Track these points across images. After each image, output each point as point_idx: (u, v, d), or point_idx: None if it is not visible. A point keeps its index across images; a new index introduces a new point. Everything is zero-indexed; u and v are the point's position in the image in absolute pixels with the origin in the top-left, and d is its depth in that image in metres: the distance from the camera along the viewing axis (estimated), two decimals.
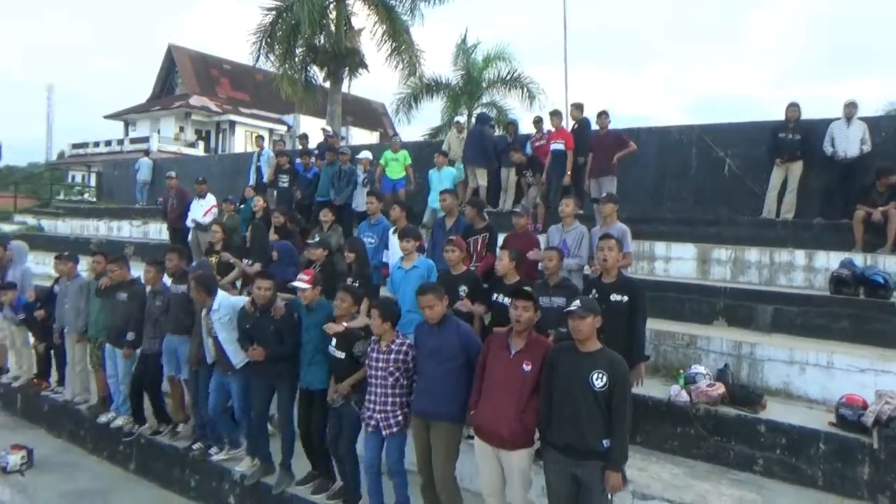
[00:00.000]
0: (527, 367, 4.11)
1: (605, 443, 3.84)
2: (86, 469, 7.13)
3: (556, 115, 10.17)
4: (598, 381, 3.82)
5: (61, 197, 24.63)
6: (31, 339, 8.51)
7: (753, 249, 8.19)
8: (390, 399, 4.74)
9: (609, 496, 3.88)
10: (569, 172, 9.69)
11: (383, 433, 4.74)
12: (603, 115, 9.64)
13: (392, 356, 4.73)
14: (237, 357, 5.83)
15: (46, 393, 8.36)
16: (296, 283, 5.44)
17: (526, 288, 4.43)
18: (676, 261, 8.68)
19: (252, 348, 5.54)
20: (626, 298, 4.96)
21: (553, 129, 10.06)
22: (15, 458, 6.91)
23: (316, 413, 5.39)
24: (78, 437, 7.75)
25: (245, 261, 7.80)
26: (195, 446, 6.41)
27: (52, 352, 8.30)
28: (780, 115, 9.16)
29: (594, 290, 5.04)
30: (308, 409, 5.44)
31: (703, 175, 10.37)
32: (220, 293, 5.99)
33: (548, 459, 4.07)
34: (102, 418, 7.36)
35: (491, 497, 4.36)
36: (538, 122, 10.79)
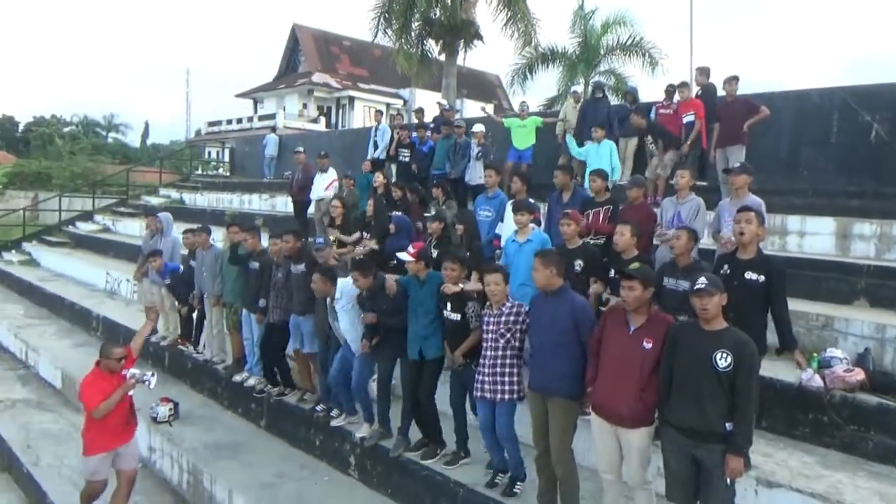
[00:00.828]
0: (647, 345, 4.01)
1: (728, 426, 3.68)
2: (223, 423, 7.75)
3: (684, 86, 9.90)
4: (722, 361, 3.67)
5: (199, 172, 26.37)
6: (177, 303, 9.30)
7: None
8: (499, 361, 4.80)
9: (729, 481, 3.74)
10: (688, 143, 9.27)
11: (488, 396, 4.83)
12: (732, 81, 9.01)
13: (503, 318, 4.81)
14: (357, 344, 6.05)
15: (188, 352, 9.12)
16: (401, 255, 5.61)
17: (634, 265, 4.27)
18: (812, 236, 8.06)
19: (363, 315, 5.78)
20: (762, 278, 4.60)
21: (682, 101, 9.69)
22: (164, 410, 7.63)
23: (426, 381, 5.55)
24: (216, 393, 8.41)
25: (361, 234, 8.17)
26: (319, 408, 6.81)
27: (195, 315, 9.03)
28: None
29: (726, 266, 4.77)
30: (418, 378, 5.58)
31: (845, 142, 9.49)
32: (340, 281, 6.13)
33: (667, 440, 3.96)
34: (237, 378, 7.94)
35: (607, 474, 4.32)
36: (671, 90, 10.31)
